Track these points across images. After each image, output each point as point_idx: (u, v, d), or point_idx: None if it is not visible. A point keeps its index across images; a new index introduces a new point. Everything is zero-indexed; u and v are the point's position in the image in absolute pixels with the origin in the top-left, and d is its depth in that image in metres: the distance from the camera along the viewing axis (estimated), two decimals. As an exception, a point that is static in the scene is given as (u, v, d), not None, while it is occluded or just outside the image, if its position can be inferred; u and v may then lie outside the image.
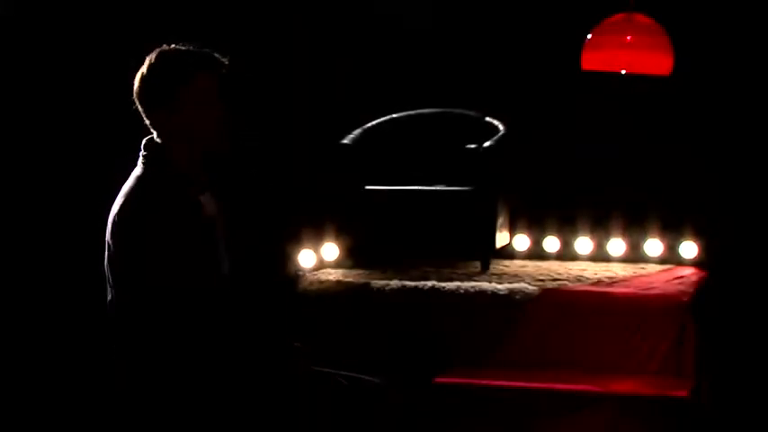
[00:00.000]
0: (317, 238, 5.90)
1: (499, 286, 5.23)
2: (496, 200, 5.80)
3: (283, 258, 5.64)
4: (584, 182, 6.29)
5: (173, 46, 3.19)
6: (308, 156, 6.29)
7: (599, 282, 5.47)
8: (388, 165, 6.03)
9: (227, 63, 3.18)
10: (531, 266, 5.94)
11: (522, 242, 6.37)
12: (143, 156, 3.19)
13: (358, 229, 5.85)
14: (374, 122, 6.22)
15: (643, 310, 5.02)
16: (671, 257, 6.08)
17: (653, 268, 5.90)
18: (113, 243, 3.09)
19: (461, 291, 5.22)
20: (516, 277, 5.50)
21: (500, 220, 5.88)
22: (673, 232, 6.12)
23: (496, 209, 5.81)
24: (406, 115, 6.31)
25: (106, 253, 3.13)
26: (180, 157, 3.19)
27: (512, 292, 5.18)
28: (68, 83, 5.74)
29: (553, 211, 6.38)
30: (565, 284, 5.36)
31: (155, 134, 3.20)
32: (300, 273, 5.62)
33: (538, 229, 6.38)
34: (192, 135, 3.15)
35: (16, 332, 5.26)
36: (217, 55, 3.18)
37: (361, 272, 5.65)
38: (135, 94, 3.18)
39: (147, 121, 3.21)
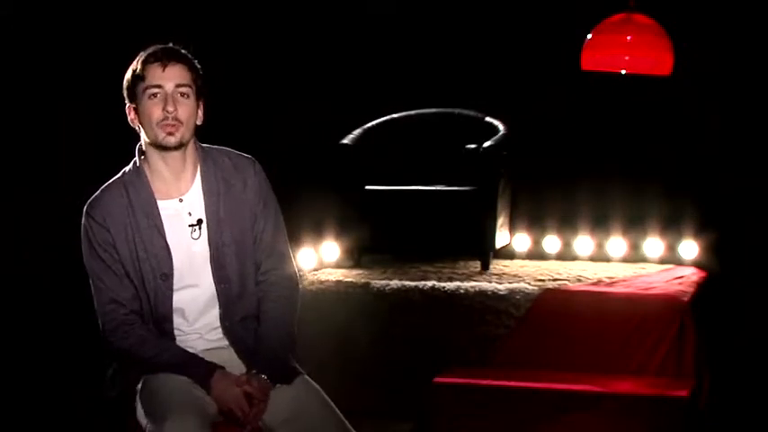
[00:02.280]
0: (316, 238, 5.90)
1: (499, 286, 5.23)
2: (496, 200, 5.80)
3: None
4: (585, 181, 6.29)
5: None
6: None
7: (599, 282, 5.47)
8: (388, 165, 6.03)
9: (177, 52, 3.16)
10: (531, 266, 5.94)
11: (522, 242, 6.37)
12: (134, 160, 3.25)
13: (358, 229, 5.85)
14: (374, 122, 6.22)
15: (643, 310, 5.02)
16: (671, 257, 6.08)
17: (653, 268, 5.90)
18: None
19: (461, 291, 5.23)
20: (516, 277, 5.50)
21: (500, 220, 5.89)
22: (673, 232, 6.13)
23: (496, 209, 5.81)
24: (406, 115, 6.31)
25: None
26: (154, 158, 3.20)
27: (512, 292, 5.18)
28: (68, 82, 5.74)
29: (553, 211, 6.38)
30: (565, 284, 5.36)
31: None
32: (300, 273, 5.62)
33: (538, 229, 6.39)
34: (147, 129, 3.16)
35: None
36: (165, 46, 3.17)
37: (361, 272, 5.66)
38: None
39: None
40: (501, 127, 6.01)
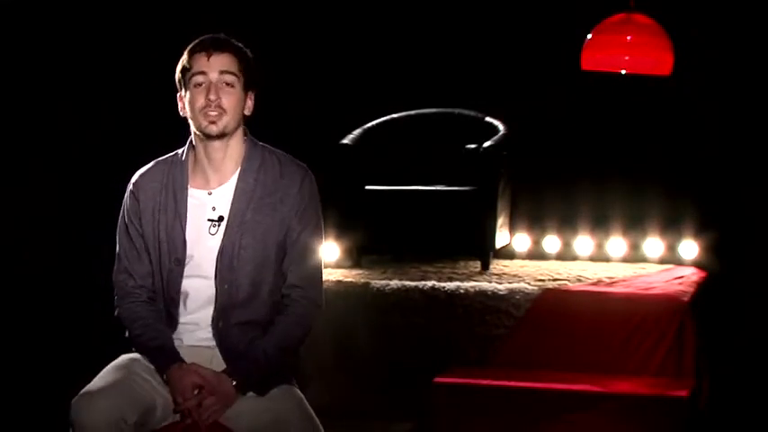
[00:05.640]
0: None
1: (499, 286, 5.23)
2: (496, 200, 5.80)
3: None
4: (585, 181, 6.29)
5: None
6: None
7: (599, 282, 5.47)
8: (388, 165, 6.03)
9: (223, 42, 3.16)
10: (531, 266, 5.94)
11: (522, 242, 6.37)
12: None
13: (358, 229, 5.85)
14: (374, 122, 6.22)
15: (643, 310, 5.02)
16: (671, 257, 6.08)
17: (653, 268, 5.91)
18: None
19: (461, 291, 5.23)
20: (516, 277, 5.50)
21: (500, 220, 5.89)
22: (673, 232, 6.13)
23: (496, 209, 5.81)
24: (406, 115, 6.31)
25: None
26: (198, 147, 3.20)
27: (512, 292, 5.18)
28: (68, 81, 5.74)
29: (553, 211, 6.38)
30: (565, 284, 5.36)
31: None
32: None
33: (538, 229, 6.39)
34: (192, 116, 3.16)
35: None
36: (214, 35, 3.18)
37: (361, 272, 5.66)
38: None
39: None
40: (501, 127, 6.01)
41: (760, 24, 6.08)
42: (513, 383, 4.77)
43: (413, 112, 6.32)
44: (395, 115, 6.30)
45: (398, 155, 6.13)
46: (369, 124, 6.19)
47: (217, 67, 3.12)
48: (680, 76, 5.72)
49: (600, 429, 4.60)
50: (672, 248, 6.11)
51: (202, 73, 3.12)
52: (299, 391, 3.18)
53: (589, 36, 5.68)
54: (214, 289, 3.16)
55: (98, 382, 3.04)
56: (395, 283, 5.33)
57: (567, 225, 6.33)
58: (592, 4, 5.87)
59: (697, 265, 5.91)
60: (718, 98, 6.17)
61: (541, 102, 6.39)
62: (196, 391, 3.05)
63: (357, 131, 6.10)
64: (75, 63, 5.74)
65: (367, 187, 5.85)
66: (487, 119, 6.12)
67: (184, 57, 3.16)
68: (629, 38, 5.60)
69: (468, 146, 5.80)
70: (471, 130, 6.06)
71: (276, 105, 6.38)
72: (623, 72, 5.64)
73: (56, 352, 5.20)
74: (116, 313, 3.21)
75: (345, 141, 5.99)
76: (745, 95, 6.13)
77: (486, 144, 5.79)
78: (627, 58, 5.61)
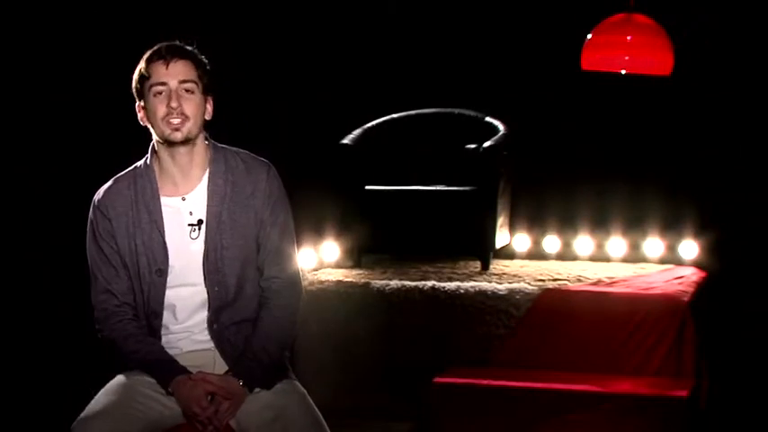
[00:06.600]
0: (317, 238, 5.91)
1: (499, 286, 5.23)
2: (496, 200, 5.81)
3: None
4: (585, 181, 6.29)
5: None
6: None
7: (599, 282, 5.47)
8: (388, 165, 6.04)
9: (181, 48, 3.16)
10: (531, 266, 5.94)
11: (522, 242, 6.38)
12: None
13: (358, 229, 5.86)
14: (374, 122, 6.22)
15: (643, 310, 5.02)
16: (671, 257, 6.08)
17: (653, 268, 5.91)
18: None
19: (461, 291, 5.23)
20: (516, 277, 5.51)
21: (500, 220, 5.89)
22: (673, 232, 6.13)
23: (496, 209, 5.81)
24: (406, 115, 6.32)
25: None
26: (163, 155, 3.19)
27: (512, 292, 5.18)
28: (68, 81, 5.74)
29: (553, 211, 6.38)
30: (565, 284, 5.36)
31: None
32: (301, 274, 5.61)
33: (538, 229, 6.39)
34: (154, 125, 3.15)
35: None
36: (169, 43, 3.16)
37: (361, 272, 5.66)
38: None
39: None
40: (501, 127, 6.02)
41: (760, 24, 6.08)
42: (512, 383, 4.77)
43: (413, 112, 6.33)
44: (395, 115, 6.31)
45: (398, 155, 6.14)
46: (369, 124, 6.19)
47: (176, 75, 3.12)
48: (680, 76, 5.72)
49: (600, 429, 4.60)
50: (672, 248, 6.11)
51: (162, 83, 3.11)
52: (300, 386, 3.19)
53: (589, 36, 5.69)
54: (203, 294, 3.17)
55: (95, 405, 3.05)
56: (395, 283, 5.33)
57: (567, 225, 6.33)
58: (592, 4, 5.87)
59: (697, 265, 5.91)
60: (718, 98, 6.17)
61: (541, 102, 6.39)
62: (209, 398, 3.06)
63: (357, 131, 6.10)
64: (76, 63, 5.74)
65: (367, 187, 5.85)
66: (487, 119, 6.12)
67: (141, 65, 3.14)
68: (629, 38, 5.60)
69: (468, 146, 5.80)
70: (471, 130, 6.07)
71: (277, 106, 6.42)
72: (623, 72, 5.64)
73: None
74: (100, 336, 3.18)
75: (345, 141, 5.99)
76: (745, 95, 6.14)
77: (486, 144, 5.79)
78: (627, 58, 5.61)
